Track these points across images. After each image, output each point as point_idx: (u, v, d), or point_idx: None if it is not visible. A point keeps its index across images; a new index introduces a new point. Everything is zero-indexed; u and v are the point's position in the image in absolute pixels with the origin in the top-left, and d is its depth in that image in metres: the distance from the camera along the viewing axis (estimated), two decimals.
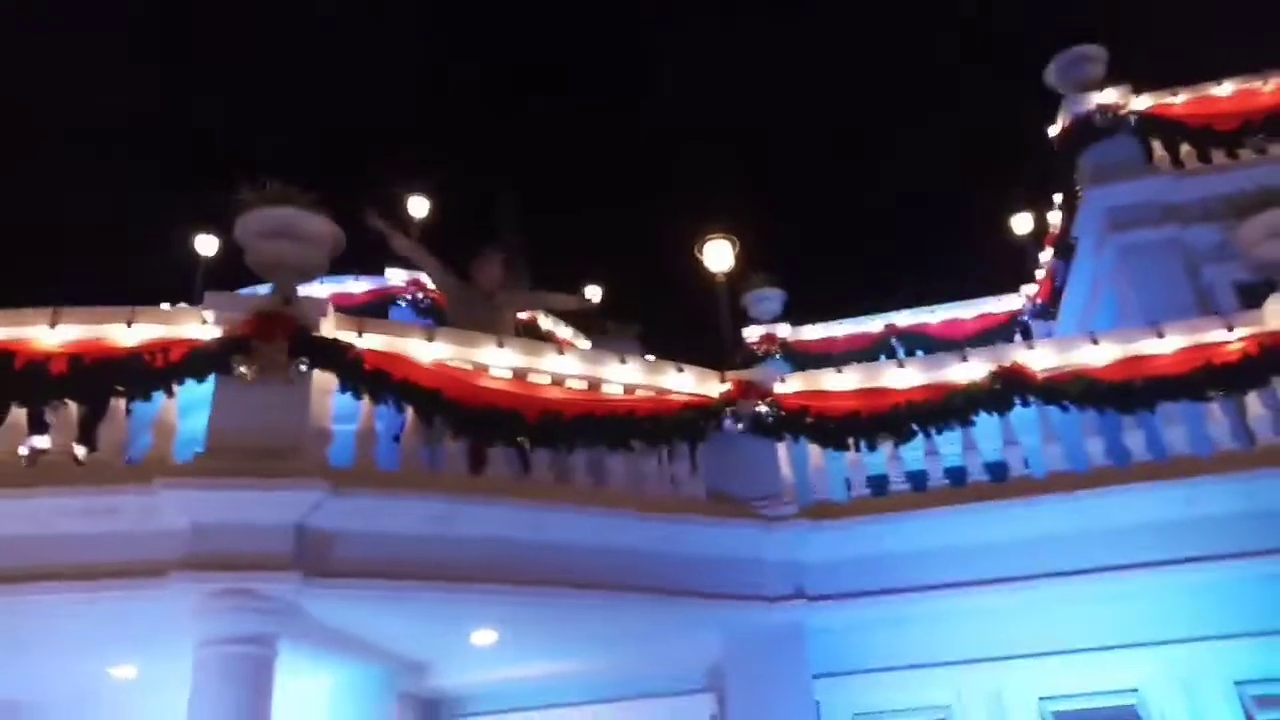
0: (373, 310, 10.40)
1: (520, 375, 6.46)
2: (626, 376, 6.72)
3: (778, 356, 12.18)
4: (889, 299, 12.65)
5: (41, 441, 6.11)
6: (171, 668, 5.63)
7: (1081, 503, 6.42)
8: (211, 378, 5.81)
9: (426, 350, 6.27)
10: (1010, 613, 6.54)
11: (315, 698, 6.82)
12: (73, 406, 5.82)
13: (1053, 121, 10.13)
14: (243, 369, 5.72)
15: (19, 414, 5.78)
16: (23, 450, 5.90)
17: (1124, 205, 9.29)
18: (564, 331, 12.08)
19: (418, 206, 12.33)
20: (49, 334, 5.80)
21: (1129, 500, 6.39)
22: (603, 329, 12.11)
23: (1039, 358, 6.80)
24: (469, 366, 6.36)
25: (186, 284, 12.09)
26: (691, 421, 6.68)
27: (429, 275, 9.24)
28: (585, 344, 11.74)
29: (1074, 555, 6.36)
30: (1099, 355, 6.79)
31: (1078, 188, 9.82)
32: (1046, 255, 11.32)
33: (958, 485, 6.70)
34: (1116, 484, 6.44)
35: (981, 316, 12.21)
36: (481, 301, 7.92)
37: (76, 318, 5.88)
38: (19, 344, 5.74)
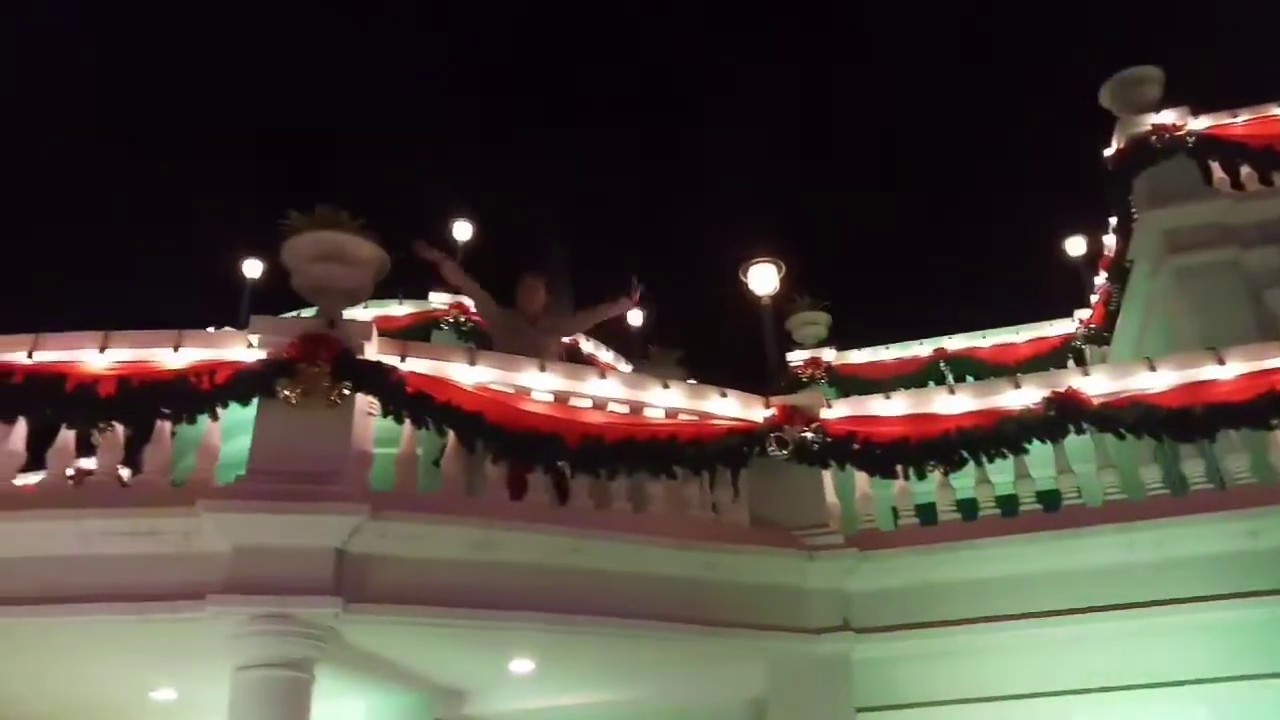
0: (415, 333, 10.45)
1: (562, 399, 6.42)
2: (669, 401, 6.65)
3: (823, 381, 12.03)
4: (938, 322, 12.46)
5: (87, 463, 6.19)
6: (210, 690, 5.65)
7: (1138, 534, 6.23)
8: (255, 400, 5.84)
9: (468, 374, 6.24)
10: (1062, 647, 6.32)
11: None
12: (119, 428, 5.88)
13: (1108, 143, 9.93)
14: (286, 392, 5.73)
15: (67, 436, 5.86)
16: (69, 471, 5.97)
17: (1181, 228, 9.05)
18: (605, 355, 12.04)
19: (462, 230, 12.39)
20: (98, 357, 5.87)
21: (1188, 532, 6.19)
22: (645, 353, 12.04)
23: (1094, 383, 6.62)
24: (510, 390, 6.32)
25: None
26: (735, 447, 6.57)
27: (474, 304, 9.23)
28: (627, 368, 11.67)
29: (1130, 588, 6.18)
30: (1157, 381, 6.59)
31: (1133, 210, 9.60)
32: (1100, 278, 11.08)
33: (1009, 515, 6.54)
34: (1175, 515, 6.25)
35: (1033, 341, 11.96)
36: (527, 328, 7.88)
37: (125, 340, 5.95)
38: (69, 366, 5.82)
